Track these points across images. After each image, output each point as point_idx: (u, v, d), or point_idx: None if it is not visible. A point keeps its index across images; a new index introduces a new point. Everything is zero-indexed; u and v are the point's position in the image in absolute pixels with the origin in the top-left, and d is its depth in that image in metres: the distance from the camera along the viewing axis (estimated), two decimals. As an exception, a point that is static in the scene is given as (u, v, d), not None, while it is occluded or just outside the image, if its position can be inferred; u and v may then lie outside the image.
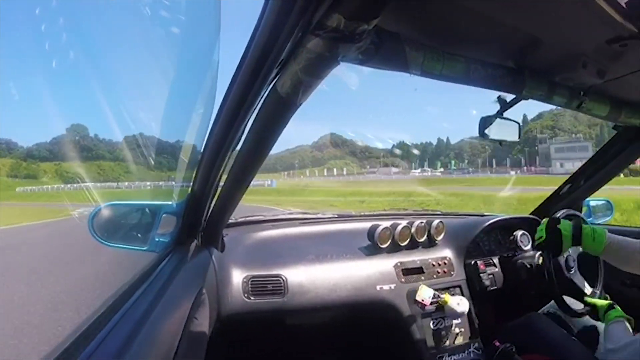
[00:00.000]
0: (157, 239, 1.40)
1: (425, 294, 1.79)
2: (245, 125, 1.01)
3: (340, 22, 0.69)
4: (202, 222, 1.50)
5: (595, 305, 1.68)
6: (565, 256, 1.78)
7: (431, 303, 1.80)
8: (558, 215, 1.72)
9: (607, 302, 1.65)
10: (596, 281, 1.89)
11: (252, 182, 1.28)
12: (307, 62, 0.77)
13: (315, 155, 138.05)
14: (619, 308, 1.61)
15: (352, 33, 0.72)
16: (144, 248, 1.39)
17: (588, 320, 1.78)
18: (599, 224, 2.39)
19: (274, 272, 1.68)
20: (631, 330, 1.54)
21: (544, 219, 1.68)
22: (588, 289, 1.82)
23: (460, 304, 1.81)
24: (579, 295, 1.78)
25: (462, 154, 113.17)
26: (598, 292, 1.87)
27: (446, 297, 1.82)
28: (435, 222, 2.05)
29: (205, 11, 1.34)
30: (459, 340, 1.87)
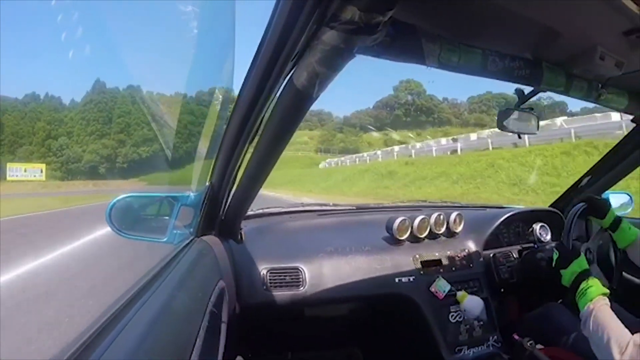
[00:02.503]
0: (175, 231, 1.41)
1: (440, 286, 1.80)
2: (263, 117, 1.02)
3: (355, 14, 0.69)
4: (221, 214, 1.51)
5: None
6: (584, 249, 1.76)
7: (445, 297, 1.81)
8: (576, 211, 1.71)
9: None
10: (612, 276, 1.86)
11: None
12: (322, 54, 0.77)
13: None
14: (596, 280, 1.53)
15: (368, 25, 0.72)
16: (163, 240, 1.40)
17: None
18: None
19: (293, 264, 1.69)
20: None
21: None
22: (605, 281, 1.80)
23: (473, 307, 1.80)
24: None
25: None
26: (614, 286, 1.85)
27: (461, 296, 1.82)
28: (454, 213, 2.04)
29: (221, 5, 1.35)
30: (478, 333, 1.87)
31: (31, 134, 79.41)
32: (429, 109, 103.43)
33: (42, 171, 60.71)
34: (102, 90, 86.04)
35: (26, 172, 57.98)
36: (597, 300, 1.40)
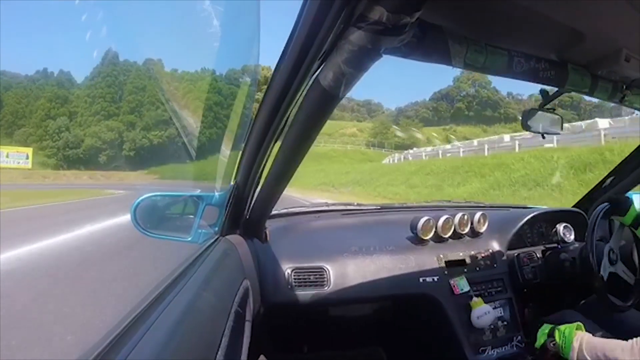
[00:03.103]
0: (200, 230, 1.43)
1: (460, 284, 1.81)
2: (288, 117, 1.03)
3: (382, 14, 0.70)
4: (245, 213, 1.53)
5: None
6: (607, 249, 1.75)
7: (460, 295, 1.81)
8: (599, 211, 1.70)
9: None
10: (636, 273, 1.84)
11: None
12: (349, 54, 0.78)
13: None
14: (566, 325, 1.55)
15: (395, 26, 0.73)
16: (188, 239, 1.42)
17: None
18: None
19: (317, 263, 1.70)
20: None
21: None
22: (631, 279, 1.78)
23: (484, 316, 1.80)
24: (624, 287, 1.75)
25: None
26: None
27: (475, 303, 1.82)
28: (478, 214, 2.04)
29: (245, 3, 1.36)
30: (502, 334, 1.87)
31: (31, 113, 68.83)
32: (495, 102, 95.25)
33: (27, 157, 53.01)
34: (113, 62, 73.52)
35: (8, 157, 50.34)
36: (578, 336, 1.46)
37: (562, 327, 1.53)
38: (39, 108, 69.33)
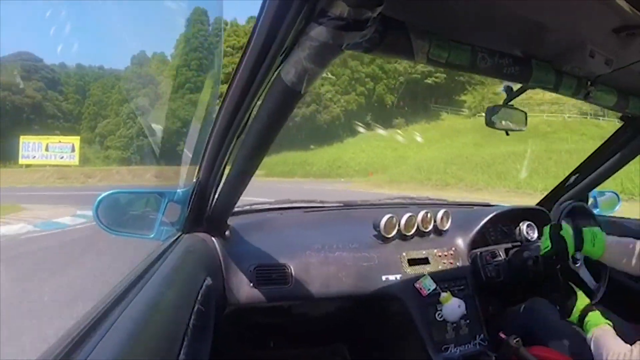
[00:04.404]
0: (162, 228, 1.41)
1: (426, 284, 1.81)
2: (250, 113, 1.02)
3: (344, 9, 0.69)
4: (208, 210, 1.51)
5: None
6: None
7: (428, 295, 1.81)
8: (562, 209, 1.72)
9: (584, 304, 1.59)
10: (600, 276, 1.87)
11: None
12: (311, 50, 0.77)
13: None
14: (597, 312, 1.59)
15: (357, 21, 0.72)
16: (150, 236, 1.40)
17: None
18: (604, 215, 2.38)
19: (280, 261, 1.68)
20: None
21: (546, 227, 1.67)
22: (593, 284, 1.80)
23: (452, 312, 1.80)
24: (586, 289, 1.77)
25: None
26: (603, 287, 1.85)
27: (445, 298, 1.82)
28: (441, 211, 2.04)
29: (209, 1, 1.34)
30: (464, 332, 1.87)
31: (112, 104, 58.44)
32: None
33: (73, 149, 38.31)
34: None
35: (48, 150, 37.50)
36: (598, 329, 1.45)
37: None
38: (116, 92, 59.97)
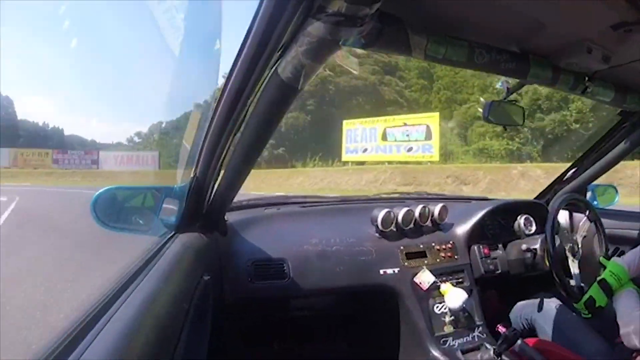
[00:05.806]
0: (159, 224, 1.41)
1: (425, 278, 1.81)
2: (248, 109, 1.02)
3: (341, 5, 0.69)
4: (205, 206, 1.50)
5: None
6: (569, 245, 1.77)
7: (428, 289, 1.81)
8: (560, 202, 1.73)
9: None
10: (598, 270, 1.88)
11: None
12: (308, 46, 0.77)
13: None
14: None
15: (354, 17, 0.72)
16: (147, 232, 1.40)
17: None
18: (602, 208, 2.39)
19: (277, 256, 1.68)
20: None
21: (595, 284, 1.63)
22: (578, 285, 1.81)
23: (456, 298, 1.80)
24: (568, 289, 1.78)
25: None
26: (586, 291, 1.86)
27: (445, 289, 1.82)
28: (439, 205, 2.03)
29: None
30: (463, 325, 1.87)
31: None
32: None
33: (429, 134, 18.95)
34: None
35: (386, 139, 20.54)
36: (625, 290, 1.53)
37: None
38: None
